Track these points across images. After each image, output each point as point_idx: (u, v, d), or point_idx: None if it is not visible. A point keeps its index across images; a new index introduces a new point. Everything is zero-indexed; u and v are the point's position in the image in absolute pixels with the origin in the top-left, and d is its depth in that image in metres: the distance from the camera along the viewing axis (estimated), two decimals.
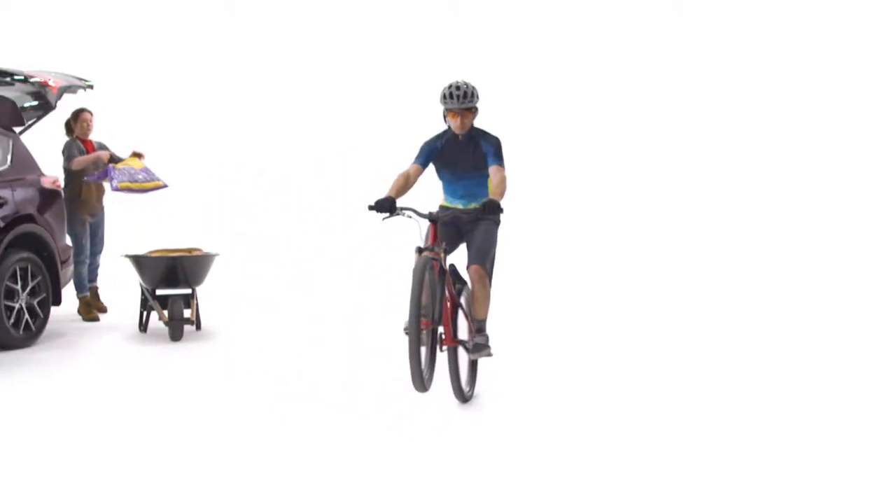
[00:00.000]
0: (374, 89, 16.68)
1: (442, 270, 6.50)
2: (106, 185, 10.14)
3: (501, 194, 6.71)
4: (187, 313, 9.25)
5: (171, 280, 9.19)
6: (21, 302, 8.73)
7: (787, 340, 9.06)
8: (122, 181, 9.50)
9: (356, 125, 16.35)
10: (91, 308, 10.07)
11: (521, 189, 10.28)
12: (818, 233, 14.53)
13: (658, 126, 16.51)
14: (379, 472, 5.53)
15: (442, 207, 7.13)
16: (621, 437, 6.18)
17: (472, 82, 6.87)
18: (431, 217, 6.67)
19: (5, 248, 8.60)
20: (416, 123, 15.62)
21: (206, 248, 9.83)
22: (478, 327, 6.92)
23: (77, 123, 10.06)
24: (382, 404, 6.95)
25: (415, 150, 7.03)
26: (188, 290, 9.28)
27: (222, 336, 9.27)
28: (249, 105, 16.22)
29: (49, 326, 9.08)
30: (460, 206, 7.05)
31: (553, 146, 16.21)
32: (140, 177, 9.78)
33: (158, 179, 9.96)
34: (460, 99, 6.81)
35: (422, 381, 6.26)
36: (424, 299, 6.27)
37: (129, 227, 11.73)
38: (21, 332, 8.72)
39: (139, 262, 9.20)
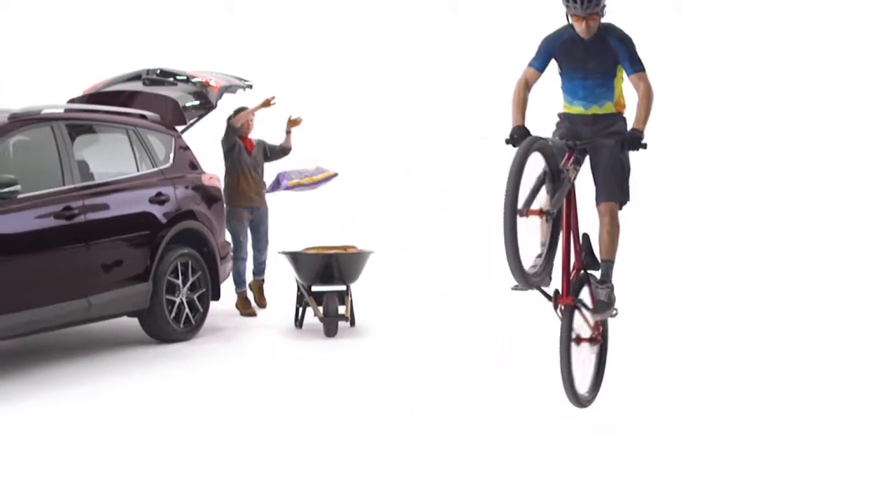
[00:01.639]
0: (375, 88, 16.44)
1: (568, 181, 5.96)
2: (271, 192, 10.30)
3: (646, 117, 6.05)
4: (342, 310, 9.29)
5: (327, 277, 9.25)
6: (181, 297, 8.93)
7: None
8: (292, 179, 9.59)
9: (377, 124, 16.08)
10: (249, 303, 10.23)
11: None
12: (817, 233, 13.73)
13: (657, 125, 15.87)
14: (379, 471, 5.46)
15: (562, 116, 6.47)
16: (631, 438, 6.02)
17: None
18: (569, 146, 6.13)
19: (167, 244, 8.80)
20: (416, 122, 15.57)
21: (361, 246, 9.86)
22: (603, 273, 6.28)
23: (240, 122, 10.22)
24: (396, 404, 6.82)
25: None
26: (343, 287, 9.33)
27: (376, 333, 9.28)
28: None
29: (208, 321, 9.26)
30: (580, 109, 6.36)
31: None
32: (310, 170, 9.85)
33: (328, 170, 10.02)
34: (584, 4, 6.04)
35: (522, 274, 5.65)
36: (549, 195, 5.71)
37: (292, 224, 11.85)
38: (181, 325, 8.92)
39: (296, 258, 9.31)
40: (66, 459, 5.71)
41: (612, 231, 6.23)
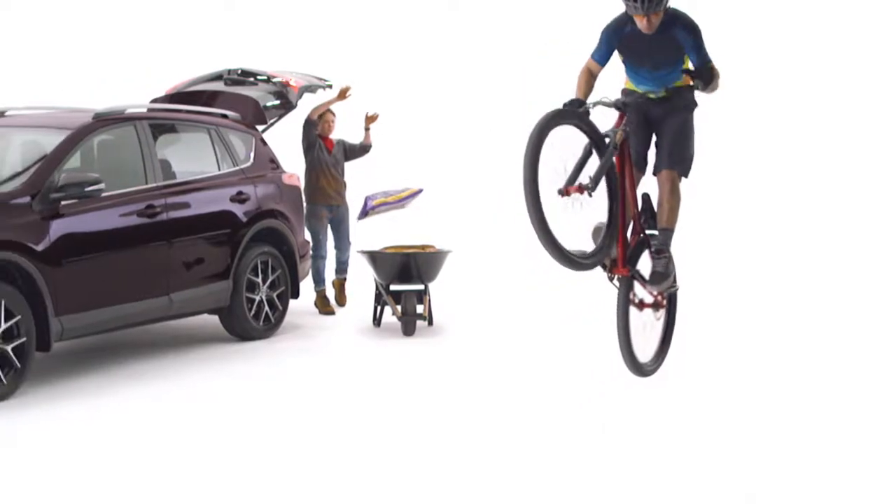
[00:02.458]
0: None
1: (616, 147, 5.70)
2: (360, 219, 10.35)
3: (709, 83, 5.82)
4: (420, 309, 9.29)
5: (405, 276, 9.25)
6: (261, 294, 8.99)
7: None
8: (377, 199, 9.58)
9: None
10: (327, 302, 10.27)
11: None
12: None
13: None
14: (455, 470, 5.41)
15: (626, 91, 6.22)
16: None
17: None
18: (618, 106, 5.84)
19: (247, 243, 8.87)
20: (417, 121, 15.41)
21: (439, 245, 9.84)
22: (660, 242, 5.94)
23: (320, 123, 10.27)
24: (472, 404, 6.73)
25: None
26: (421, 286, 9.32)
27: (453, 332, 9.26)
28: None
29: (287, 319, 9.31)
30: (651, 95, 6.10)
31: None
32: (395, 189, 9.81)
33: (412, 187, 9.97)
34: (646, 4, 5.70)
35: (562, 254, 5.40)
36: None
37: (371, 223, 11.88)
38: (261, 323, 8.98)
39: (374, 258, 9.32)
40: (146, 452, 5.78)
41: (672, 200, 5.97)
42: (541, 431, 6.11)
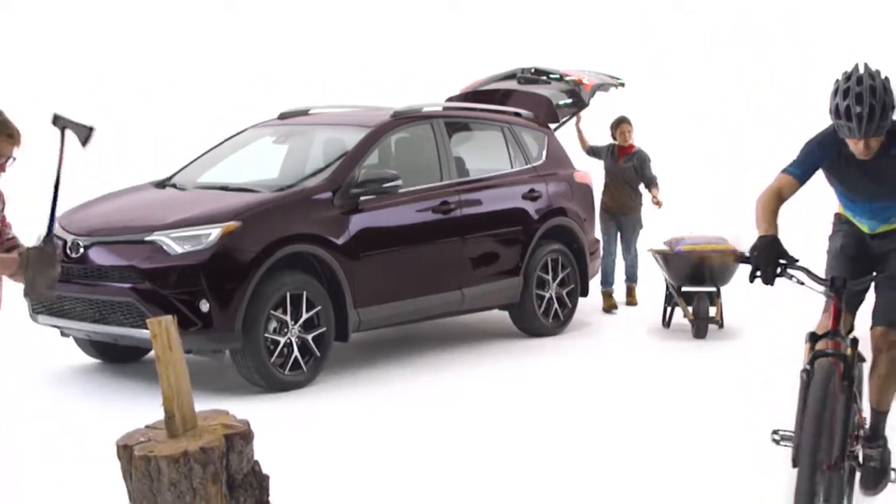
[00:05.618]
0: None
1: (848, 376, 4.04)
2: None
3: None
4: (712, 311, 9.02)
5: (698, 278, 9.00)
6: (551, 292, 9.01)
7: None
8: (686, 245, 9.25)
9: None
10: (612, 299, 10.15)
11: None
12: None
13: (657, 124, 14.30)
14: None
15: (839, 218, 4.87)
16: None
17: (875, 81, 4.12)
18: (834, 286, 4.19)
19: (538, 240, 8.91)
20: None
21: (736, 246, 9.49)
22: (872, 427, 4.55)
23: (617, 131, 10.17)
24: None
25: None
26: (714, 288, 9.05)
27: (745, 337, 8.94)
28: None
29: (575, 316, 9.29)
30: (865, 228, 4.75)
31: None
32: (704, 238, 9.44)
33: (730, 244, 9.29)
34: (863, 125, 4.14)
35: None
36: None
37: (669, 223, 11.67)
38: (550, 320, 9.00)
39: (666, 258, 9.13)
40: (427, 440, 5.92)
41: (889, 373, 4.54)
42: None
